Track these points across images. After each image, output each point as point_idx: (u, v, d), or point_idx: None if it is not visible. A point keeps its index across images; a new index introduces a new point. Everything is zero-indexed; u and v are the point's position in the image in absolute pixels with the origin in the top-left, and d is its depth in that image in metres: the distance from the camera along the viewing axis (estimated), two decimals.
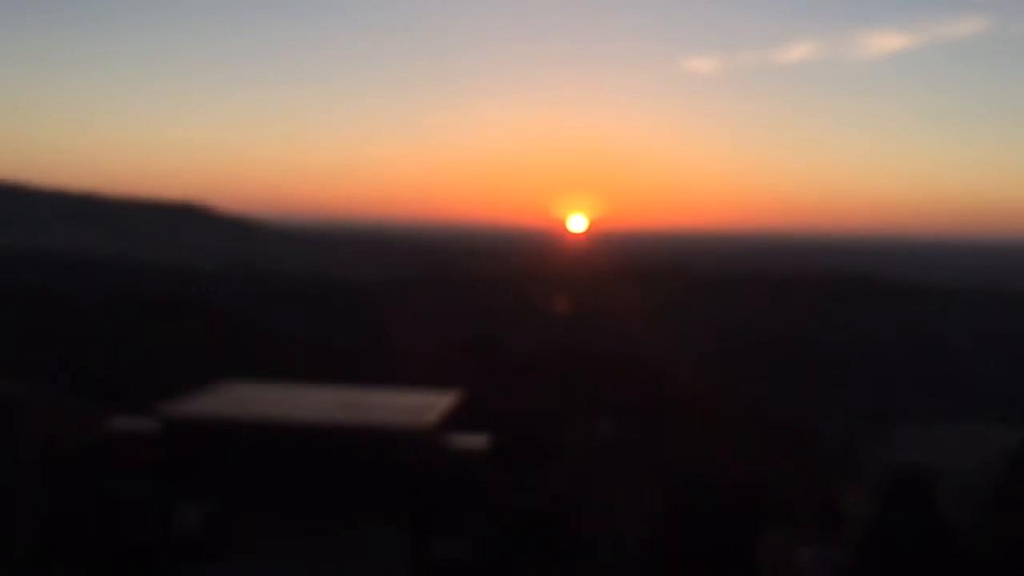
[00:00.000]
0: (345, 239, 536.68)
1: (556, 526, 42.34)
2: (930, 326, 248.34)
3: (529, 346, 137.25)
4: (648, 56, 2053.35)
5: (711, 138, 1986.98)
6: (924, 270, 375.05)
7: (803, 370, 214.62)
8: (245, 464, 44.44)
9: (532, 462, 52.80)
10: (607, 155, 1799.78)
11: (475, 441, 47.28)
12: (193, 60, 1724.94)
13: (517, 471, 50.78)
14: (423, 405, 49.34)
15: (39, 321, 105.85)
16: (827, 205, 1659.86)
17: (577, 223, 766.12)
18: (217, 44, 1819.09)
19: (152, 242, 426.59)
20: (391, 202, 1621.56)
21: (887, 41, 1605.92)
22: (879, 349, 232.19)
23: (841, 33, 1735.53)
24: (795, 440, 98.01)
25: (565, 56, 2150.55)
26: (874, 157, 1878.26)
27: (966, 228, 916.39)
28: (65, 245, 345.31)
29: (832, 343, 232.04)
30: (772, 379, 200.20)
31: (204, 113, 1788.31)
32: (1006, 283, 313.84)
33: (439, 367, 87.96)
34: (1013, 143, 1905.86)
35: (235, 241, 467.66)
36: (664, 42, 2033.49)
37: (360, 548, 40.77)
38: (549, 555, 40.96)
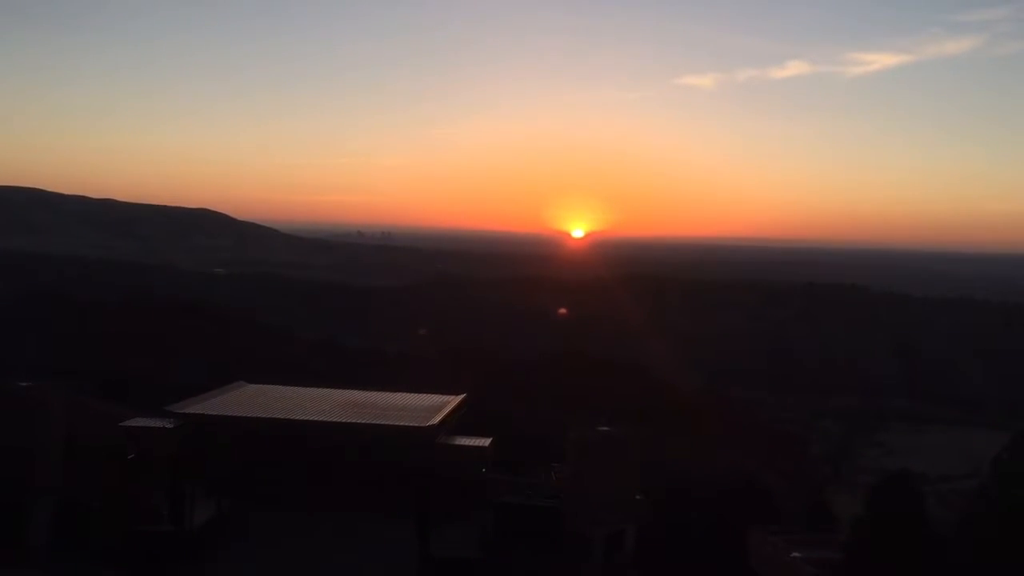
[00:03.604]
0: (354, 245, 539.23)
1: (555, 525, 43.47)
2: (917, 334, 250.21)
3: (530, 350, 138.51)
4: (648, 73, 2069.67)
5: (708, 151, 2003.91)
6: (911, 280, 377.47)
7: (794, 376, 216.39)
8: (255, 462, 45.73)
9: (533, 462, 53.98)
10: (607, 165, 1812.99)
11: (478, 442, 48.67)
12: (212, 73, 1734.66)
13: (518, 471, 51.98)
14: (428, 407, 50.66)
15: (61, 321, 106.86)
16: (819, 216, 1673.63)
17: (577, 231, 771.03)
18: (234, 59, 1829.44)
19: (168, 246, 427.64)
20: (398, 209, 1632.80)
21: (877, 59, 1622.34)
22: (868, 356, 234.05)
23: (834, 52, 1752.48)
24: (786, 444, 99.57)
25: (568, 73, 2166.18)
26: (865, 170, 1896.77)
27: (952, 239, 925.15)
28: (86, 249, 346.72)
29: (822, 350, 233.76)
30: (764, 384, 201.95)
31: (219, 123, 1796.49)
32: (992, 293, 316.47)
33: (443, 370, 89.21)
34: (1000, 158, 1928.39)
35: (248, 246, 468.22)
36: (664, 60, 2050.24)
37: (367, 544, 41.95)
38: (548, 552, 42.01)
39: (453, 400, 51.85)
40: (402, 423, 47.08)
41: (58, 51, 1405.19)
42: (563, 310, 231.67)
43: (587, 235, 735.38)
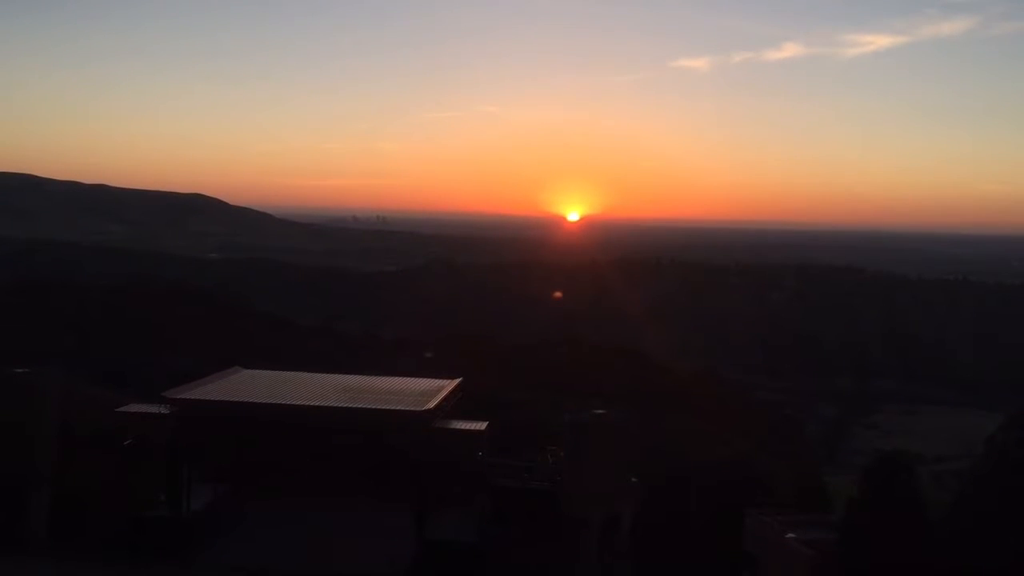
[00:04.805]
0: (349, 230, 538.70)
1: (552, 507, 43.63)
2: (912, 316, 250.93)
3: (526, 334, 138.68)
4: (643, 56, 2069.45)
5: (703, 134, 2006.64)
6: (906, 262, 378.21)
7: (790, 358, 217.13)
8: (252, 447, 45.80)
9: (529, 446, 54.14)
10: (602, 149, 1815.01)
11: (474, 425, 48.82)
12: (205, 58, 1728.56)
13: (514, 455, 52.13)
14: (424, 391, 50.73)
15: (56, 308, 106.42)
16: (815, 198, 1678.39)
17: (573, 214, 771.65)
18: (228, 43, 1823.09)
19: (162, 232, 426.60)
20: (393, 194, 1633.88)
21: (872, 41, 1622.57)
22: (863, 338, 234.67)
23: (829, 33, 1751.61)
24: (782, 425, 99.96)
25: (563, 56, 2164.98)
26: (859, 152, 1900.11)
27: (948, 221, 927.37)
28: (79, 235, 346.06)
29: (818, 332, 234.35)
30: (760, 366, 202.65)
31: (213, 108, 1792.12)
32: (987, 275, 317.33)
33: (439, 354, 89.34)
34: (995, 139, 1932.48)
35: (242, 231, 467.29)
36: (659, 42, 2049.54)
37: (364, 528, 42.11)
38: (545, 535, 42.19)
39: (449, 384, 51.91)
40: (398, 407, 47.16)
41: (50, 36, 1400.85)
42: (559, 294, 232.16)
43: (582, 219, 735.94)
